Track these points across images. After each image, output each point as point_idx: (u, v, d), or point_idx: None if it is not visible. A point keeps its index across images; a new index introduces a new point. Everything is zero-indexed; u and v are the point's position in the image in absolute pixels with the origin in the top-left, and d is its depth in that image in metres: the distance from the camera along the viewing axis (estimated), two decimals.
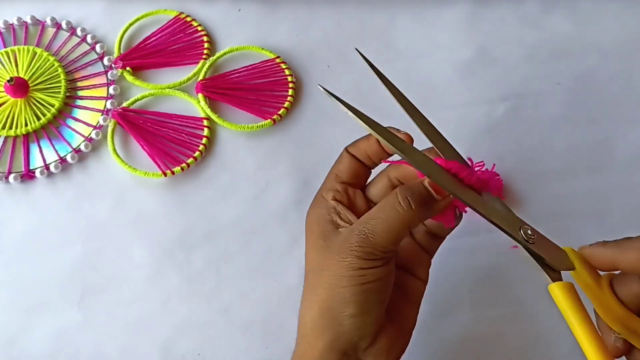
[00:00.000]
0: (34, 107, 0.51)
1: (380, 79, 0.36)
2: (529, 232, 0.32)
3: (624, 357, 0.32)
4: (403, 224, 0.32)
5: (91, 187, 0.48)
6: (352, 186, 0.36)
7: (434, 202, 0.32)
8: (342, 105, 0.33)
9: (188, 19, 0.55)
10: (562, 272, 0.31)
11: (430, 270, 0.45)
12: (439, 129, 0.50)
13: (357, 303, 0.32)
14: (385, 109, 0.52)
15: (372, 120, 0.33)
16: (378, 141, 0.35)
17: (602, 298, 0.30)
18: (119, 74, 0.53)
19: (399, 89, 0.36)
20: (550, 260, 0.31)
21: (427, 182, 0.32)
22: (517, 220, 0.32)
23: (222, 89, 0.52)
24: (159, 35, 0.54)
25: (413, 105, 0.36)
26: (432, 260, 0.46)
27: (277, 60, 0.53)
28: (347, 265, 0.32)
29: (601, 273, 0.32)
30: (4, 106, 0.50)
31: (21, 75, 0.51)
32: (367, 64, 0.36)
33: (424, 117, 0.36)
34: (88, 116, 0.51)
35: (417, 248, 0.37)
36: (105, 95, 0.52)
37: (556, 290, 0.30)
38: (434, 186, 0.32)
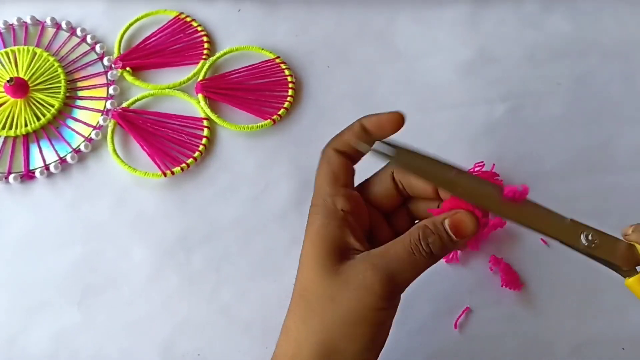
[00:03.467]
0: (34, 108, 0.51)
1: None
2: (590, 236, 0.31)
3: None
4: (425, 267, 0.32)
5: (91, 187, 0.48)
6: (352, 188, 0.34)
7: (453, 245, 0.32)
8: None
9: (188, 19, 0.55)
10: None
11: (429, 271, 0.45)
12: (439, 129, 0.51)
13: (366, 341, 0.31)
14: (384, 109, 0.51)
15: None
16: (363, 127, 0.34)
17: None
18: (118, 74, 0.53)
19: None
20: (617, 261, 0.30)
21: (448, 224, 0.31)
22: (576, 226, 0.31)
23: (222, 89, 0.52)
24: (159, 35, 0.54)
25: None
26: None
27: (277, 61, 0.53)
28: (365, 305, 0.30)
29: None
30: (4, 106, 0.50)
31: (21, 76, 0.51)
32: None
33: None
34: (88, 116, 0.51)
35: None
36: (105, 95, 0.52)
37: (635, 285, 0.30)
38: (455, 226, 0.31)
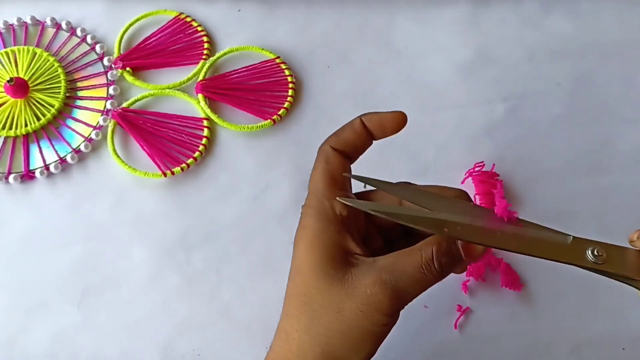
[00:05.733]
0: (34, 108, 0.51)
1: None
2: (596, 251, 0.29)
3: None
4: (432, 284, 0.31)
5: (91, 187, 0.48)
6: (345, 191, 0.33)
7: (462, 262, 0.31)
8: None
9: (188, 19, 0.55)
10: None
11: None
12: (439, 129, 0.51)
13: (367, 353, 0.31)
14: (383, 109, 0.51)
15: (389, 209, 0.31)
16: (363, 125, 0.33)
17: None
18: (119, 75, 0.53)
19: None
20: (628, 273, 0.29)
21: (461, 244, 0.31)
22: (580, 244, 0.30)
23: (222, 89, 0.52)
24: (159, 35, 0.54)
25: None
26: None
27: (277, 61, 0.53)
28: (372, 321, 0.30)
29: None
30: (4, 106, 0.50)
31: (21, 76, 0.51)
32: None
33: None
34: (88, 116, 0.51)
35: None
36: (105, 95, 0.52)
37: None
38: (467, 246, 0.31)
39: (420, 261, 0.30)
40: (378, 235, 0.36)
